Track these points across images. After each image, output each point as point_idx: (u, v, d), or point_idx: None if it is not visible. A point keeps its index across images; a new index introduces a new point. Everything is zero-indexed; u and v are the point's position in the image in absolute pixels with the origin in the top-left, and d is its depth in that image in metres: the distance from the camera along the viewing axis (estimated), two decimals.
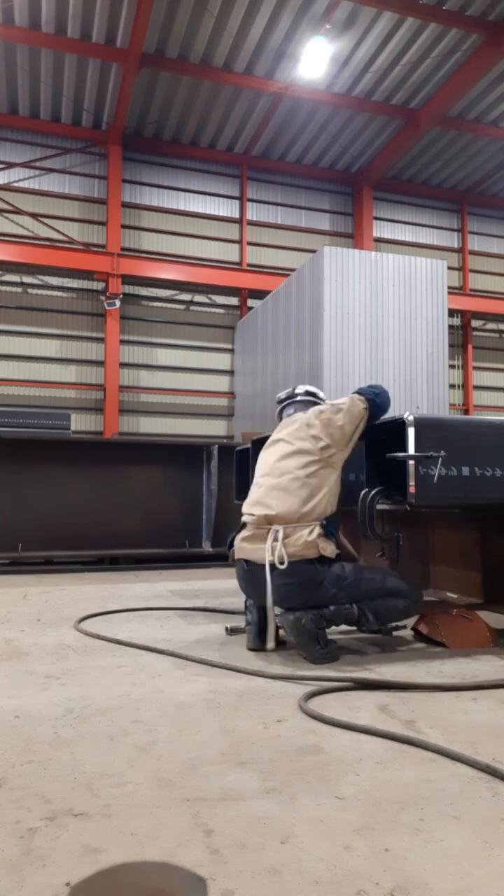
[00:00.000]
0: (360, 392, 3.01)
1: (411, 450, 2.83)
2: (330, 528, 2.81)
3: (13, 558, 5.45)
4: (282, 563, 2.66)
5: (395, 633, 3.08)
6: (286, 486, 2.82)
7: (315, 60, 10.99)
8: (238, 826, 1.35)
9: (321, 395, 3.27)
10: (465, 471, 2.88)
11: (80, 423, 12.78)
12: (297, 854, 1.25)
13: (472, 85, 11.75)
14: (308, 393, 3.23)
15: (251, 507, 2.92)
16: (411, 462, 2.82)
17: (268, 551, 2.70)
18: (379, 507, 3.01)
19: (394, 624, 3.02)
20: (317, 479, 2.83)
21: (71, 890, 1.08)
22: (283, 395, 3.31)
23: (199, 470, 6.14)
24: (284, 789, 1.52)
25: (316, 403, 3.15)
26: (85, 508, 5.74)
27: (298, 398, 3.22)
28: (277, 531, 2.73)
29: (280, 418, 3.24)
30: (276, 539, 2.71)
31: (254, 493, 2.98)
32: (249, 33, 10.82)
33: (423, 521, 4.16)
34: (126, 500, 5.88)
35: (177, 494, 6.05)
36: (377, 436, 3.12)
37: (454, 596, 3.95)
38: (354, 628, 2.93)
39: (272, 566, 2.68)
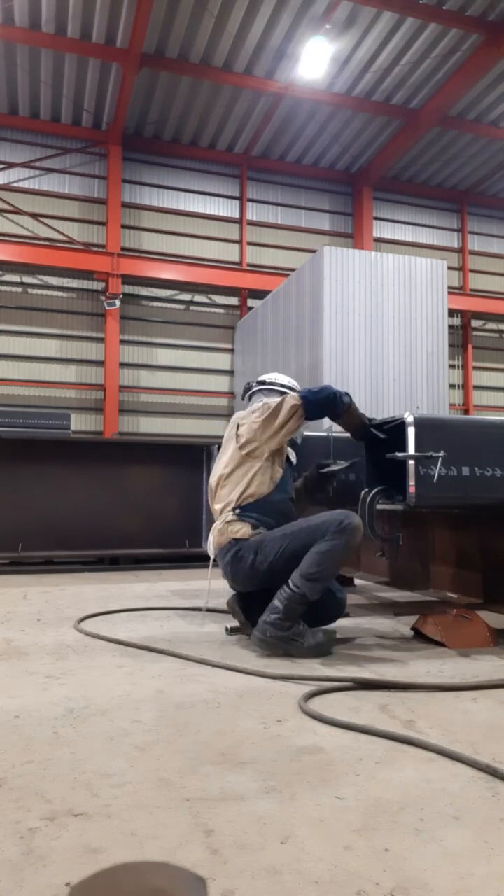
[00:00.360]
0: (298, 392, 3.14)
1: (411, 450, 2.83)
2: (250, 510, 2.97)
3: (13, 558, 5.45)
4: (209, 555, 3.09)
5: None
6: (215, 488, 3.14)
7: (315, 60, 10.99)
8: (238, 826, 1.35)
9: (278, 383, 3.34)
10: (465, 471, 2.88)
11: (80, 423, 12.78)
12: (297, 854, 1.25)
13: (472, 85, 11.75)
14: (260, 382, 3.38)
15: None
16: (411, 462, 2.82)
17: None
18: (379, 507, 3.01)
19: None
20: (238, 472, 3.03)
21: (71, 890, 1.08)
22: (246, 385, 3.49)
23: (199, 470, 6.14)
24: (284, 789, 1.52)
25: (271, 391, 3.28)
26: (85, 508, 5.73)
27: (254, 388, 3.38)
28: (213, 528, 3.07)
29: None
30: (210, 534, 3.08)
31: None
32: (249, 33, 10.83)
33: (423, 521, 4.16)
34: (126, 500, 5.88)
35: (177, 494, 6.04)
36: (377, 436, 3.13)
37: (454, 596, 3.95)
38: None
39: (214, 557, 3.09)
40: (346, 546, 2.78)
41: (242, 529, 2.94)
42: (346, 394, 3.11)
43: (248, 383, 3.47)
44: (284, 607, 2.74)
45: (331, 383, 3.35)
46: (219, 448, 3.35)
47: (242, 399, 3.46)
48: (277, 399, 3.06)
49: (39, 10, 10.32)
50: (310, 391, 3.08)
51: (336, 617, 3.07)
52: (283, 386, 3.32)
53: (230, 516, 2.98)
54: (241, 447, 3.04)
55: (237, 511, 2.97)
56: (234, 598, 3.08)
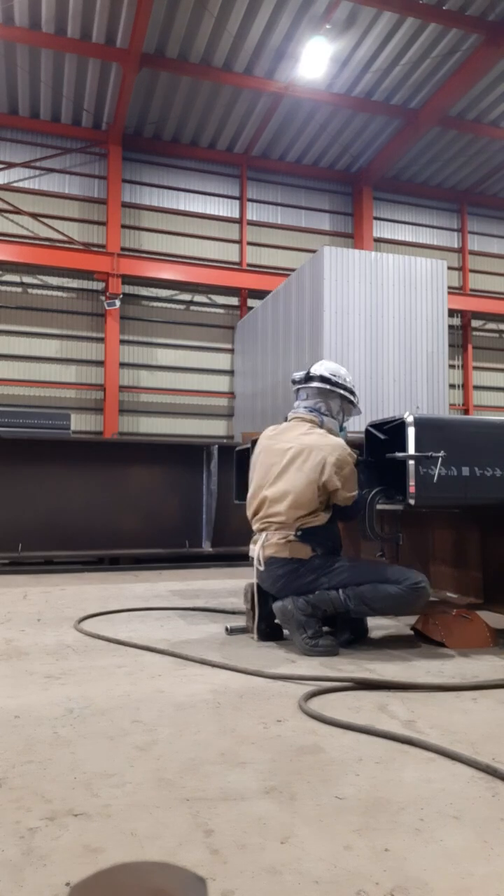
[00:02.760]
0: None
1: (411, 450, 2.83)
2: (310, 535, 2.98)
3: (13, 558, 5.45)
4: (252, 559, 3.07)
5: (370, 636, 3.11)
6: (269, 499, 3.09)
7: (315, 60, 10.98)
8: (238, 826, 1.35)
9: (337, 378, 3.22)
10: (465, 471, 2.88)
11: (80, 423, 12.78)
12: (297, 854, 1.25)
13: (472, 85, 11.75)
14: (322, 378, 3.20)
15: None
16: (411, 462, 2.82)
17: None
18: (379, 507, 3.01)
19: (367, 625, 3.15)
20: (303, 497, 3.00)
21: (71, 890, 1.08)
22: (298, 375, 3.30)
23: (199, 470, 6.14)
24: (284, 789, 1.52)
25: (331, 392, 3.18)
26: (85, 508, 5.73)
27: (313, 384, 3.21)
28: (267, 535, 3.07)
29: (296, 398, 3.30)
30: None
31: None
32: (249, 33, 10.82)
33: (423, 521, 4.15)
34: (126, 500, 5.88)
35: (177, 494, 6.04)
36: (377, 436, 3.12)
37: (454, 596, 3.94)
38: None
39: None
40: (412, 603, 2.90)
41: (304, 550, 2.97)
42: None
43: (300, 375, 3.30)
44: (320, 602, 2.87)
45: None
46: (253, 446, 3.32)
47: (295, 383, 3.31)
48: (342, 444, 3.07)
49: (39, 10, 10.32)
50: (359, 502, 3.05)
51: (355, 639, 3.08)
52: (329, 382, 3.20)
53: (291, 536, 2.98)
54: (324, 486, 2.97)
55: (298, 534, 2.97)
56: (252, 586, 3.12)
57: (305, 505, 2.96)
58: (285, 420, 3.30)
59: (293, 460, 3.02)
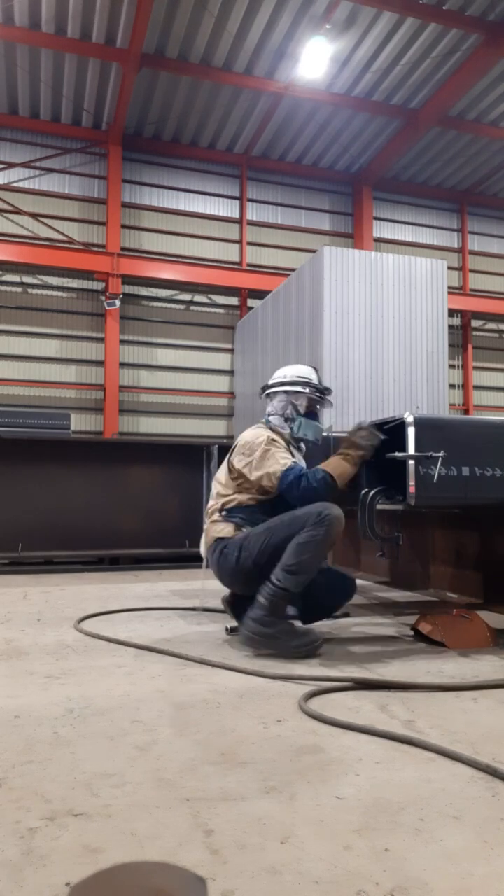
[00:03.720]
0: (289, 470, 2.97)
1: (411, 450, 2.83)
2: (236, 512, 3.06)
3: (13, 558, 5.45)
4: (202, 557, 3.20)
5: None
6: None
7: (315, 60, 10.98)
8: (238, 826, 1.35)
9: (275, 379, 3.30)
10: (465, 471, 2.89)
11: (80, 423, 12.78)
12: (297, 854, 1.25)
13: (471, 85, 11.75)
14: (263, 390, 3.38)
15: None
16: (411, 462, 2.82)
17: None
18: (379, 507, 3.01)
19: (341, 611, 3.27)
20: (230, 486, 3.15)
21: (71, 890, 1.08)
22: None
23: (199, 470, 6.14)
24: (284, 789, 1.52)
25: (274, 395, 3.28)
26: (85, 508, 5.73)
27: (262, 396, 3.39)
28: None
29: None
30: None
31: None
32: (249, 33, 10.82)
33: (423, 521, 4.16)
34: (126, 500, 5.88)
35: (177, 494, 6.04)
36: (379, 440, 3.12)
37: (454, 596, 3.95)
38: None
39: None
40: (325, 537, 2.73)
41: (226, 529, 3.02)
42: (324, 473, 2.91)
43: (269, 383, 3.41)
44: (269, 603, 2.73)
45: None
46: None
47: (260, 397, 3.44)
48: (265, 432, 3.13)
49: (39, 10, 10.32)
50: (302, 477, 2.90)
51: (342, 602, 3.09)
52: (277, 385, 3.29)
53: (216, 517, 3.08)
54: (233, 477, 3.12)
55: (223, 513, 3.07)
56: (228, 596, 3.17)
57: (223, 487, 3.12)
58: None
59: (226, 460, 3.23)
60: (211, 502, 3.20)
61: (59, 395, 12.98)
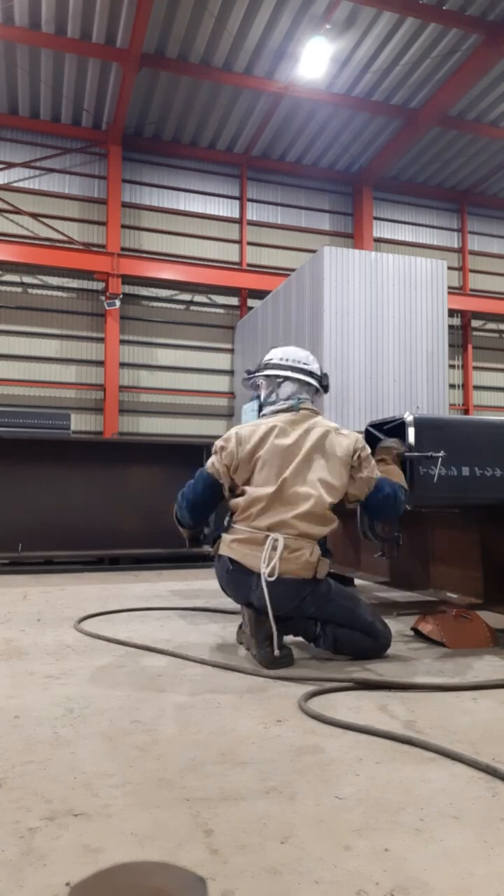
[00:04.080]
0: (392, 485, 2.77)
1: (411, 450, 2.83)
2: (324, 544, 2.73)
3: (13, 558, 5.45)
4: (271, 576, 2.54)
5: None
6: (299, 488, 2.66)
7: (315, 60, 10.99)
8: (238, 826, 1.35)
9: (312, 367, 2.93)
10: (465, 471, 2.89)
11: (80, 423, 12.78)
12: (297, 854, 1.25)
13: (472, 85, 11.76)
14: (290, 368, 2.89)
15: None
16: (411, 462, 2.82)
17: (263, 561, 2.56)
18: None
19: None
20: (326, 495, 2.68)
21: (71, 890, 1.08)
22: (255, 366, 3.00)
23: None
24: (284, 789, 1.52)
25: (307, 384, 2.89)
26: (85, 508, 5.73)
27: (285, 372, 2.89)
28: (276, 541, 2.58)
29: (255, 388, 2.98)
30: (274, 549, 2.57)
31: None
32: (249, 33, 10.83)
33: (423, 521, 4.15)
34: (126, 500, 5.87)
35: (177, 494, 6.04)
36: (377, 436, 3.12)
37: (454, 596, 3.94)
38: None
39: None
40: (369, 655, 2.66)
41: (325, 569, 2.64)
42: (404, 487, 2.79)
43: (260, 364, 2.99)
44: (296, 623, 2.67)
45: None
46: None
47: (244, 383, 3.07)
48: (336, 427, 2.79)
49: (39, 10, 10.32)
50: (397, 491, 2.75)
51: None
52: (305, 373, 2.88)
53: (317, 550, 2.63)
54: (356, 480, 2.70)
55: (320, 543, 2.67)
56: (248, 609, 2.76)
57: (323, 505, 2.63)
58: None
59: (311, 458, 2.69)
60: (310, 503, 2.62)
61: (59, 395, 12.99)
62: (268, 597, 2.52)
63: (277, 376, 2.90)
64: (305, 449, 2.70)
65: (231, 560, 2.73)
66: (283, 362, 2.92)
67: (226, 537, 2.79)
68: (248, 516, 2.70)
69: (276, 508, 2.65)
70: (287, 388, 2.88)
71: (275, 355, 2.97)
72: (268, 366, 2.94)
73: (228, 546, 2.75)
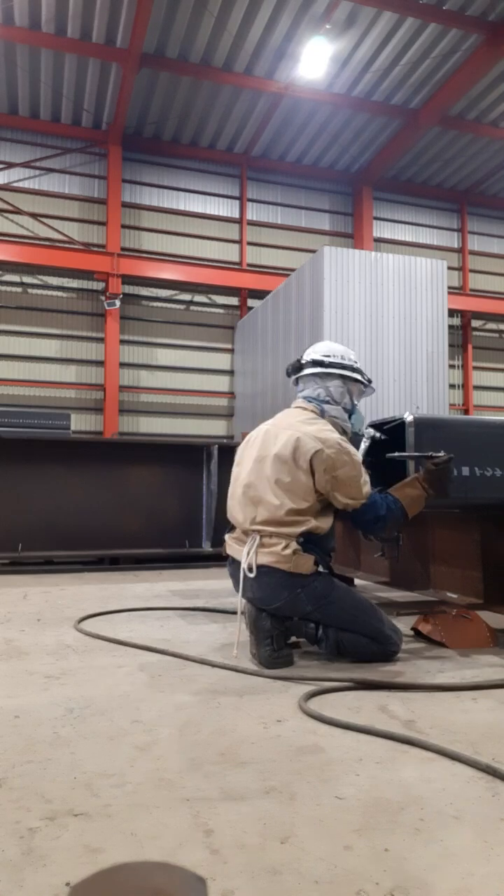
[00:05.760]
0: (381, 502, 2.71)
1: (411, 450, 2.83)
2: (313, 543, 2.66)
3: (13, 558, 5.45)
4: (251, 570, 2.58)
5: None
6: (261, 491, 2.69)
7: (315, 60, 11.00)
8: (238, 826, 1.35)
9: (333, 358, 2.88)
10: (465, 471, 2.89)
11: (80, 423, 12.79)
12: (297, 854, 1.25)
13: (472, 85, 11.76)
14: (315, 363, 2.87)
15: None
16: (411, 462, 2.82)
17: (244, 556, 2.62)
18: None
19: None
20: (297, 495, 2.64)
21: (71, 890, 1.08)
22: (291, 366, 3.00)
23: (199, 470, 6.14)
24: (284, 789, 1.52)
25: (328, 375, 2.85)
26: (85, 508, 5.73)
27: (307, 371, 2.89)
28: (256, 537, 2.64)
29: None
30: (252, 543, 2.63)
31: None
32: (249, 33, 10.83)
33: (423, 521, 4.15)
34: (126, 500, 5.87)
35: (177, 494, 6.04)
36: (377, 436, 3.12)
37: (454, 596, 3.94)
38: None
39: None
40: (375, 660, 2.63)
41: (307, 564, 2.59)
42: (404, 511, 2.74)
43: (292, 365, 2.96)
44: (295, 623, 2.67)
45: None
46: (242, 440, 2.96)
47: (289, 376, 2.99)
48: (333, 433, 2.70)
49: (39, 10, 10.32)
50: (380, 520, 2.70)
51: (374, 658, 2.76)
52: (338, 366, 2.86)
53: (294, 545, 2.58)
54: (321, 491, 2.63)
55: (300, 539, 2.61)
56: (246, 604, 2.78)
57: (298, 498, 2.62)
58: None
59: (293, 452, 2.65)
60: (271, 506, 2.61)
61: (59, 395, 12.99)
62: (243, 585, 2.62)
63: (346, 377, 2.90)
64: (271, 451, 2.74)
65: (232, 557, 2.86)
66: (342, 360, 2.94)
67: (227, 537, 2.92)
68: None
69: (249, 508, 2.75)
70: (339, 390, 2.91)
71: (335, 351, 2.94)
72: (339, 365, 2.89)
73: (228, 544, 2.89)
